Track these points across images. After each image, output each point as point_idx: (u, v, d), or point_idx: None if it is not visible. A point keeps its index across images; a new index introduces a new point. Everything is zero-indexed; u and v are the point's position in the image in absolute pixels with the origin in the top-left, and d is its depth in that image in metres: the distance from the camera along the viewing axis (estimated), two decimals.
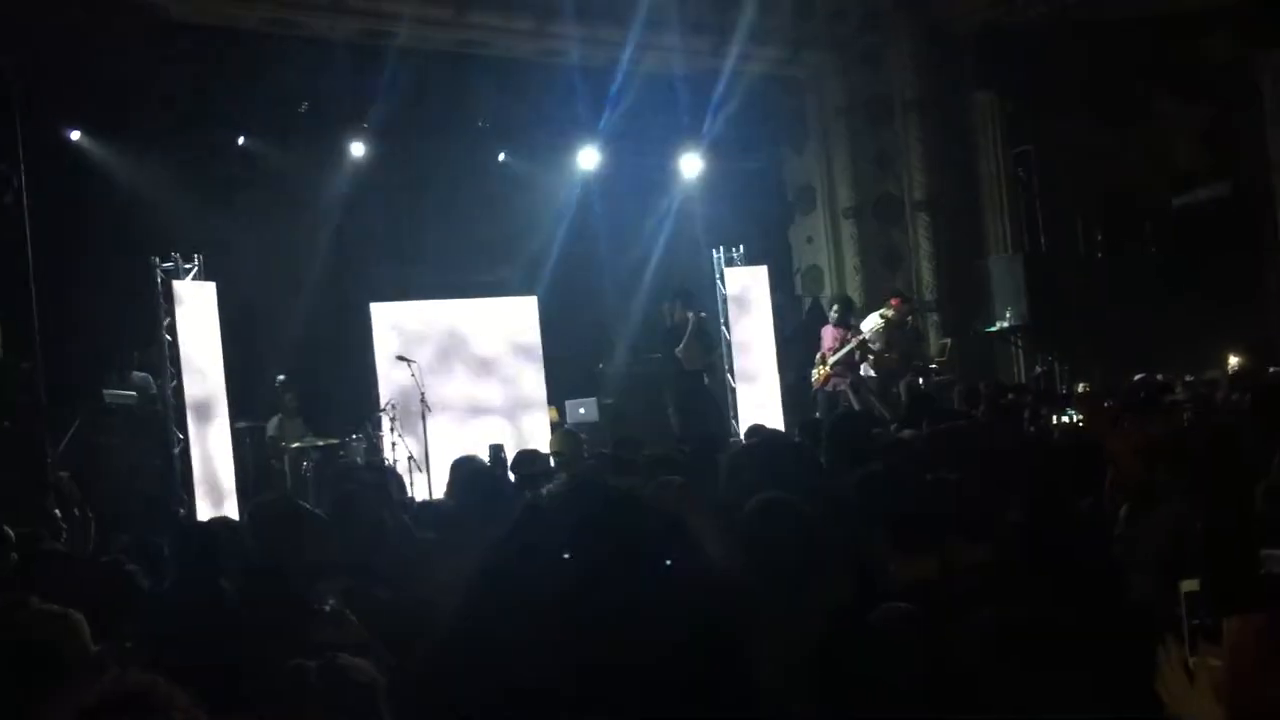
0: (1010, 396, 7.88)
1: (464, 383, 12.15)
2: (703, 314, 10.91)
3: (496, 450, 7.97)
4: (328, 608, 3.00)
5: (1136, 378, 7.95)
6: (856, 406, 9.29)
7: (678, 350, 10.20)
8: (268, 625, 2.83)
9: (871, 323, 11.74)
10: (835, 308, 12.09)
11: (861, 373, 12.04)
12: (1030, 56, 11.86)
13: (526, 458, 6.57)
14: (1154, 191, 12.93)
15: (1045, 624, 2.18)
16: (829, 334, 11.82)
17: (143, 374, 9.44)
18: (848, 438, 5.35)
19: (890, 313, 11.76)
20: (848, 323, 11.88)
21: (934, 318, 12.95)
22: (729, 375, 12.15)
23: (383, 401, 11.33)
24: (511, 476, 7.18)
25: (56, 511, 6.41)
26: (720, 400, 11.49)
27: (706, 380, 10.86)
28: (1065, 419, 4.67)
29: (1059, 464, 4.28)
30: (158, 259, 9.63)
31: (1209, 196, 12.47)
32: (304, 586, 3.08)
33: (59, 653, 2.51)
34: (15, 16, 7.79)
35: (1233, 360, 9.64)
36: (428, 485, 10.57)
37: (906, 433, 6.97)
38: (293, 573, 3.10)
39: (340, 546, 4.58)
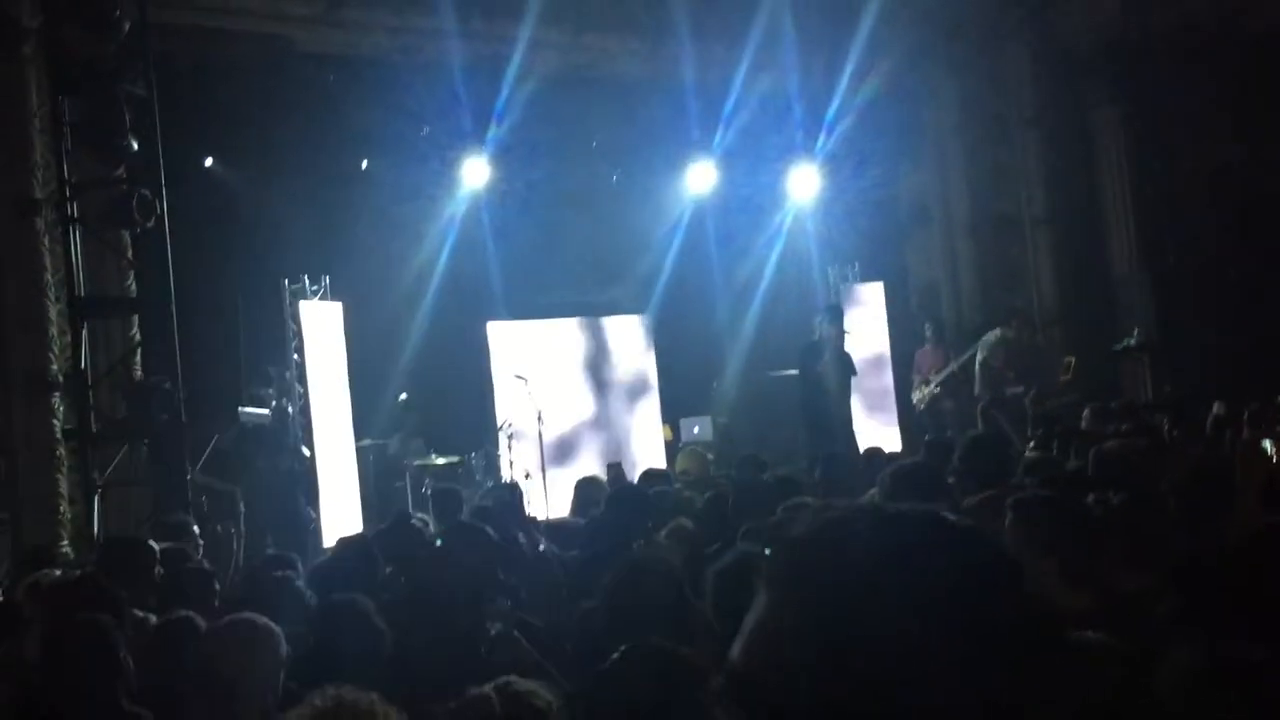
0: (1153, 416, 7.64)
1: (579, 401, 12.24)
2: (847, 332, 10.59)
3: (615, 469, 7.99)
4: (495, 630, 3.02)
5: None
6: (981, 426, 9.08)
7: (820, 366, 10.05)
8: (442, 648, 2.85)
9: (991, 340, 11.56)
10: (930, 328, 11.89)
11: (977, 391, 11.84)
12: (1155, 71, 11.53)
13: (654, 476, 6.58)
14: None
15: (1251, 663, 2.08)
16: (927, 354, 11.64)
17: (274, 391, 9.68)
18: (984, 460, 5.24)
19: (1010, 331, 11.58)
20: (945, 341, 11.72)
21: (1057, 335, 12.66)
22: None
23: (500, 420, 11.48)
24: None
25: (196, 528, 6.59)
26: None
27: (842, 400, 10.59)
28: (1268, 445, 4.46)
29: (1229, 484, 4.12)
30: (286, 280, 9.91)
31: None
32: (473, 608, 3.10)
33: (248, 670, 2.56)
34: (155, 50, 8.08)
35: None
36: (545, 503, 10.65)
37: (1030, 454, 6.83)
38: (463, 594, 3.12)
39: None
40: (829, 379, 10.04)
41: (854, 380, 10.35)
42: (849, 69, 12.21)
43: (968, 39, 12.76)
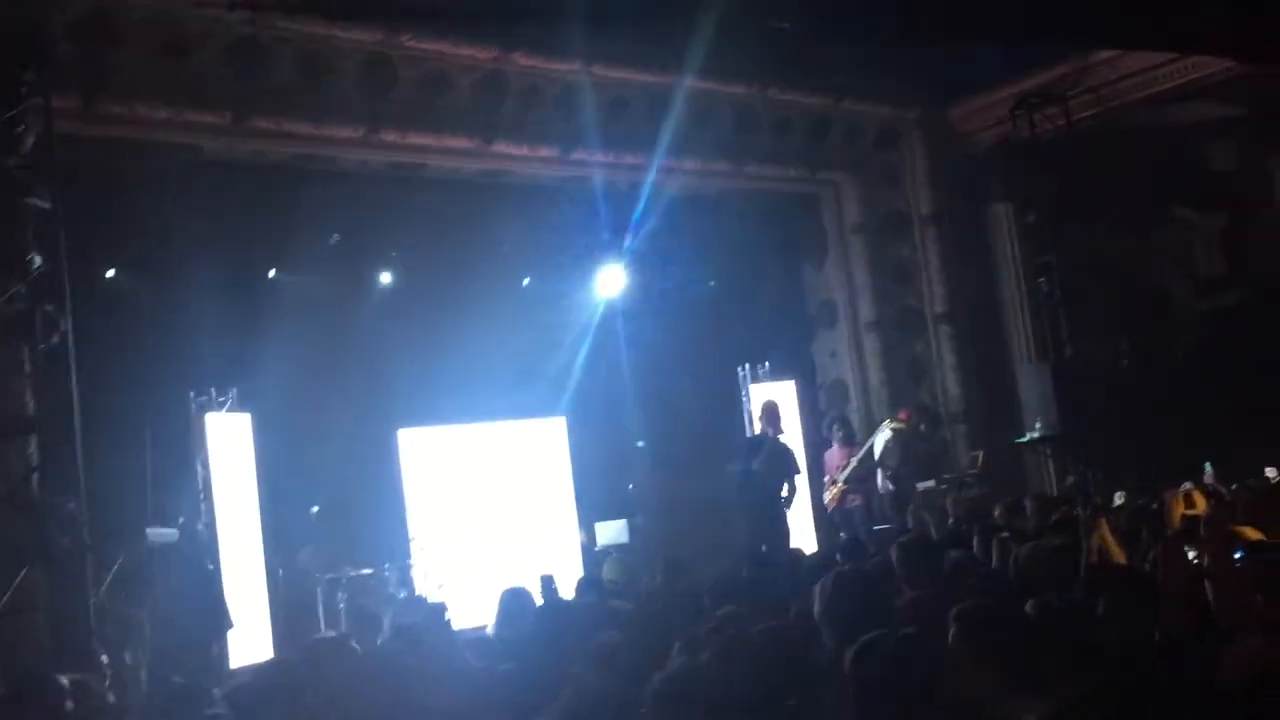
0: (1064, 509, 7.80)
1: (493, 506, 12.07)
2: (780, 434, 10.66)
3: (548, 581, 7.90)
4: None
5: (1184, 487, 7.87)
6: (911, 526, 9.16)
7: (754, 463, 10.12)
8: None
9: (883, 436, 11.76)
10: (837, 428, 12.04)
11: (880, 488, 12.00)
12: (1047, 168, 12.05)
13: (587, 587, 6.51)
14: (1179, 297, 13.03)
15: None
16: (835, 454, 11.76)
17: (181, 508, 9.36)
18: (917, 562, 5.29)
19: (899, 425, 11.82)
20: (853, 440, 11.89)
21: (962, 429, 12.93)
22: None
23: (412, 529, 11.28)
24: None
25: (104, 657, 6.30)
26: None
27: (782, 498, 10.56)
28: (1192, 556, 4.58)
29: (1147, 587, 4.22)
30: (193, 393, 9.66)
31: (1232, 300, 12.56)
32: None
33: None
34: (57, 161, 7.93)
35: (1270, 472, 9.50)
36: (461, 613, 10.42)
37: (953, 554, 6.90)
38: None
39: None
40: (763, 476, 10.11)
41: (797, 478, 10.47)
42: (753, 174, 12.54)
43: (865, 140, 13.20)
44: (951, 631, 3.54)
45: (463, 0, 5.90)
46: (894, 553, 5.20)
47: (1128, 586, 4.56)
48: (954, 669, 3.52)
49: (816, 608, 4.15)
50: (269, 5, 8.25)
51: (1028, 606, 3.69)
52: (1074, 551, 5.70)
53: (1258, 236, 12.80)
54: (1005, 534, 6.67)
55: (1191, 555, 4.77)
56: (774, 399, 11.21)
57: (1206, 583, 4.16)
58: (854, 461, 11.57)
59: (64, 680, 5.19)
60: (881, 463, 11.86)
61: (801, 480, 10.96)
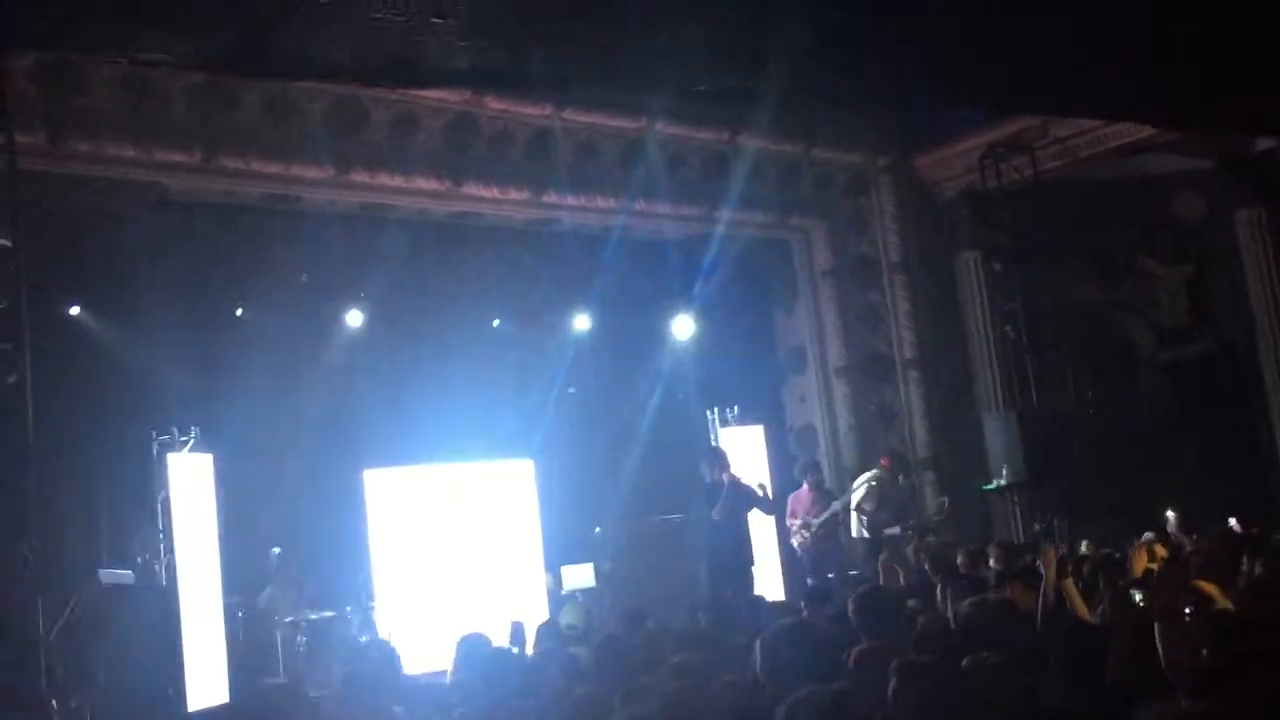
0: (1028, 557, 7.79)
1: (459, 549, 11.97)
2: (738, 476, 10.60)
3: (518, 629, 7.83)
4: None
5: (1145, 537, 7.90)
6: (882, 579, 9.08)
7: (714, 512, 10.07)
8: None
9: (862, 482, 11.75)
10: (808, 472, 12.04)
11: (854, 533, 11.97)
12: (1014, 217, 12.18)
13: (552, 631, 6.46)
14: (1143, 347, 13.14)
15: None
16: (804, 496, 11.73)
17: (138, 548, 9.25)
18: (874, 613, 5.25)
19: (881, 472, 11.81)
20: (822, 485, 11.88)
21: (929, 475, 12.94)
22: None
23: (375, 570, 11.17)
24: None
25: (53, 702, 6.19)
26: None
27: (744, 539, 10.48)
28: (1136, 598, 4.56)
29: (1099, 639, 4.21)
30: (154, 432, 9.58)
31: (1197, 351, 12.67)
32: None
33: None
34: (19, 198, 7.88)
35: (1233, 523, 9.57)
36: (422, 657, 10.31)
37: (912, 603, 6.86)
38: None
39: None
40: (724, 524, 10.06)
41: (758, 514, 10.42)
42: (723, 218, 12.59)
43: (835, 187, 13.30)
44: (891, 685, 3.52)
45: (426, 64, 5.88)
46: (850, 604, 5.16)
47: (1079, 639, 4.56)
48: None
49: (758, 662, 4.11)
50: (219, 68, 8.19)
51: (964, 662, 3.67)
52: (1013, 610, 5.62)
53: (1222, 288, 12.94)
54: (964, 582, 6.66)
55: (1144, 606, 4.75)
56: (717, 445, 11.22)
57: (1156, 635, 4.15)
58: (836, 506, 11.57)
59: None
60: (859, 508, 11.83)
61: (767, 520, 10.98)
